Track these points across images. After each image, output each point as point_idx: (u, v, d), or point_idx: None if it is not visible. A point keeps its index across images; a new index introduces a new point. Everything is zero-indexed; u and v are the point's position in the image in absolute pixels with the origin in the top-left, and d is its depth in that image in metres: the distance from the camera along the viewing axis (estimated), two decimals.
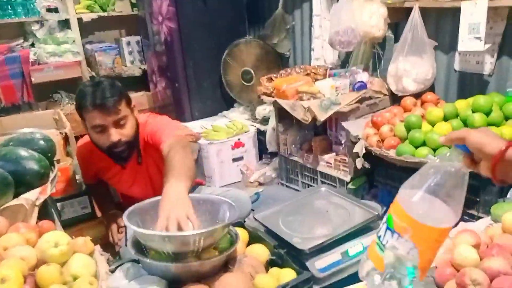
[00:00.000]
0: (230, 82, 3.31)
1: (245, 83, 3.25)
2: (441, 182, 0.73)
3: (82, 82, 1.64)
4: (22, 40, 3.75)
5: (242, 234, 1.32)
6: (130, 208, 1.26)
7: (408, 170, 1.96)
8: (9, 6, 3.56)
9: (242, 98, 3.34)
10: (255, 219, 1.46)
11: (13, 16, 3.59)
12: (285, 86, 2.41)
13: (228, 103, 3.47)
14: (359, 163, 2.10)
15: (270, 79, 2.68)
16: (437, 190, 0.73)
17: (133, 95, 3.94)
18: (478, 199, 1.81)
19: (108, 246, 1.91)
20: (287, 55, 3.35)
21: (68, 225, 2.11)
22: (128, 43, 4.18)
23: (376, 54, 2.60)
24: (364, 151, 2.07)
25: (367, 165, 2.09)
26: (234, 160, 2.99)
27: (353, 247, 1.36)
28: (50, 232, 1.12)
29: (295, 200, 1.62)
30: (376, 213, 1.44)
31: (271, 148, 2.93)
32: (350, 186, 2.32)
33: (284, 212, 1.51)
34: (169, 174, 1.30)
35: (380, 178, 2.21)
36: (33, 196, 1.35)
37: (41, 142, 1.58)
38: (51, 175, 1.54)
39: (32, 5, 3.63)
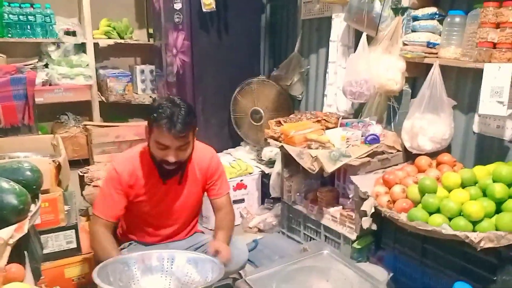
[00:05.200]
0: (239, 120, 3.23)
1: (254, 123, 3.17)
2: None
3: (159, 99, 1.67)
4: (37, 60, 3.77)
5: None
6: (101, 264, 1.13)
7: (419, 236, 1.81)
8: (28, 26, 3.59)
9: (249, 138, 3.24)
10: (246, 282, 1.32)
11: (31, 36, 3.62)
12: (294, 132, 2.31)
13: (235, 141, 3.38)
14: (366, 223, 1.95)
15: (279, 123, 2.58)
16: None
17: (141, 123, 3.92)
18: (494, 278, 1.64)
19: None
20: (299, 98, 3.28)
21: (51, 259, 1.99)
22: (142, 71, 4.18)
23: (391, 107, 2.50)
24: (373, 210, 1.93)
25: (374, 227, 1.94)
26: (235, 202, 2.84)
27: None
28: (11, 285, 0.99)
29: (293, 262, 1.48)
30: None
31: (274, 194, 2.80)
32: (355, 245, 2.16)
33: (280, 276, 1.37)
34: (221, 233, 1.79)
35: (388, 240, 2.05)
36: (6, 235, 1.22)
37: (28, 172, 1.48)
38: (34, 209, 1.44)
39: (51, 27, 3.67)
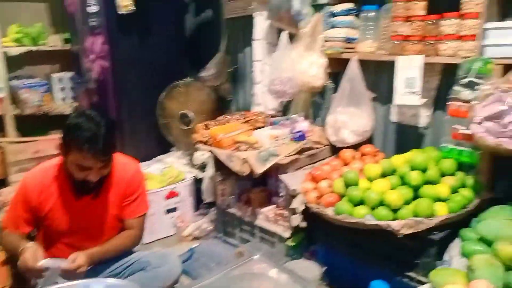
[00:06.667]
0: (167, 125, 3.11)
1: (183, 127, 3.07)
2: None
3: (74, 116, 1.60)
4: None
5: None
6: None
7: (348, 229, 1.84)
8: None
9: (180, 142, 3.14)
10: None
11: None
12: (222, 135, 2.26)
13: (166, 147, 3.25)
14: (296, 220, 1.95)
15: (207, 126, 2.52)
16: None
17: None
18: (417, 262, 1.71)
19: None
20: (230, 99, 3.24)
21: None
22: (60, 80, 3.88)
23: (316, 103, 2.54)
24: (303, 206, 1.93)
25: (303, 225, 1.94)
26: (168, 211, 2.73)
27: None
28: None
29: (225, 272, 1.43)
30: None
31: (208, 199, 2.72)
32: (289, 243, 2.15)
33: None
34: (100, 245, 1.67)
35: (320, 235, 2.07)
36: None
37: None
38: None
39: None
